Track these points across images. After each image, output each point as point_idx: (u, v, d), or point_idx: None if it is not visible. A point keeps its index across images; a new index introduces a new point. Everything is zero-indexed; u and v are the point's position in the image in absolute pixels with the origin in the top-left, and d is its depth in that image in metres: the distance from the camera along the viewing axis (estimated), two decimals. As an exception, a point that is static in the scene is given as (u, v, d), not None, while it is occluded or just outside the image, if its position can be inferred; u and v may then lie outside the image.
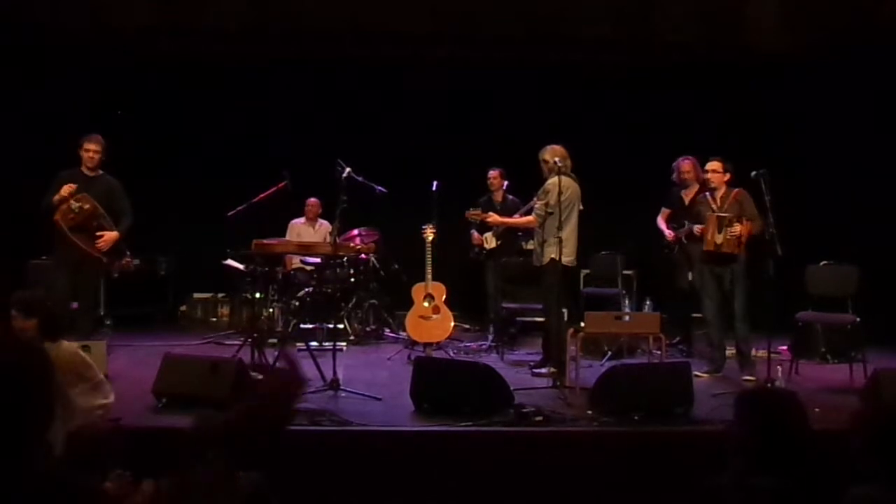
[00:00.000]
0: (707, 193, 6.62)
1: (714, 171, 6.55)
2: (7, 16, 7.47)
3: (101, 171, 6.52)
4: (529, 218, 6.60)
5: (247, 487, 3.11)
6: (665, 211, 7.52)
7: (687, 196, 7.31)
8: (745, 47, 8.31)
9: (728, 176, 6.51)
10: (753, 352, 6.43)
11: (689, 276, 7.12)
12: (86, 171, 6.47)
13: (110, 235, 6.33)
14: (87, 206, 6.26)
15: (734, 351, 6.51)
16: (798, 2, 7.88)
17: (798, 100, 8.39)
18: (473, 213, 7.55)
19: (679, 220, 7.27)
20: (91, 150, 6.44)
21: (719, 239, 6.31)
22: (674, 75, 8.99)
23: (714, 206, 6.49)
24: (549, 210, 6.24)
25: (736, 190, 6.47)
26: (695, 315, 7.52)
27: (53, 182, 6.33)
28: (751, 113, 8.82)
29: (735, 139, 8.19)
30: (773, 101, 8.70)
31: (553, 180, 6.17)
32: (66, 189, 6.22)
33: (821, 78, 8.13)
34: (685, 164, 7.31)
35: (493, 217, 7.27)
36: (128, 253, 6.49)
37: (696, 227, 6.68)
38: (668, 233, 7.36)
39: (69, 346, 3.97)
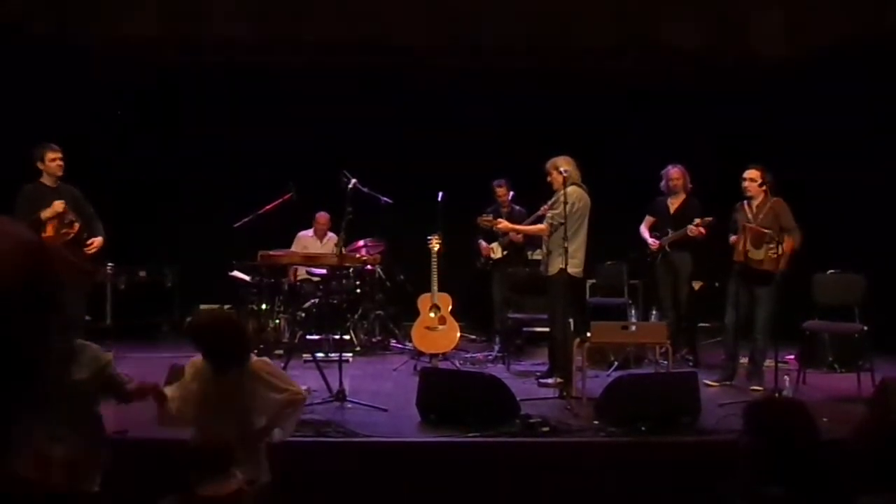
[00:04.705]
0: (744, 202, 6.38)
1: (752, 179, 6.29)
2: (14, 24, 7.49)
3: (59, 182, 6.17)
4: (541, 226, 6.53)
5: (251, 497, 3.12)
6: (648, 219, 7.43)
7: (673, 204, 7.26)
8: (750, 54, 8.31)
9: (766, 185, 6.28)
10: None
11: (695, 286, 7.11)
12: (48, 183, 6.06)
13: (98, 241, 6.12)
14: (75, 218, 5.98)
15: (747, 360, 6.45)
16: (803, 10, 7.88)
17: (802, 106, 8.38)
18: (485, 220, 7.44)
19: (663, 229, 7.23)
20: (58, 158, 6.09)
21: (758, 255, 6.10)
22: (678, 82, 8.98)
23: (749, 216, 6.28)
24: (561, 220, 6.22)
25: (774, 199, 6.28)
26: (701, 325, 7.55)
27: (20, 199, 5.92)
28: (755, 120, 8.80)
29: (738, 146, 8.18)
30: (776, 107, 8.69)
31: (567, 190, 6.13)
32: (60, 205, 5.88)
33: (825, 84, 8.12)
34: (674, 172, 7.21)
35: (504, 223, 7.16)
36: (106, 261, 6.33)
37: (732, 238, 6.42)
38: (652, 241, 7.28)
39: (256, 360, 3.71)
